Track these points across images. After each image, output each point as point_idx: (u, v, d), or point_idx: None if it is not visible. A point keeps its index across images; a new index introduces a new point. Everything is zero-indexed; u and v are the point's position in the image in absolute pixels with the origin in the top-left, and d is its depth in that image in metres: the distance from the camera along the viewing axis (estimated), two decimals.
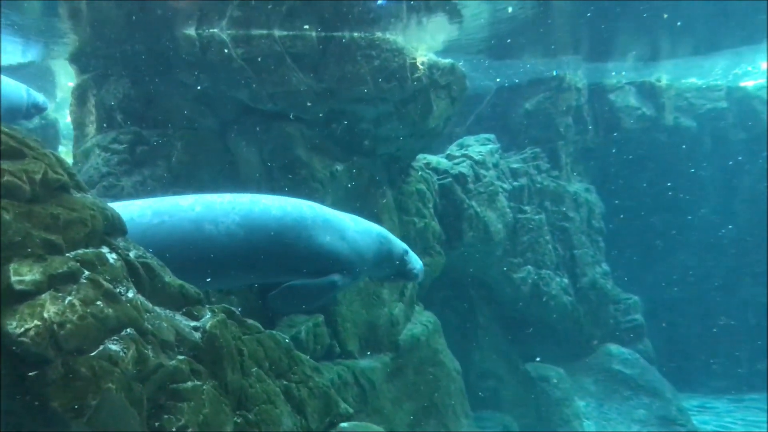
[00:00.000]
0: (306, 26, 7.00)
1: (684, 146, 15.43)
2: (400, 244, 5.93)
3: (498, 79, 14.04)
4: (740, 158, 16.11)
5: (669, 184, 15.66)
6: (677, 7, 11.09)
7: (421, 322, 8.76)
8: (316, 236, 5.17)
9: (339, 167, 7.66)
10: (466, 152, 11.78)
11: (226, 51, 6.72)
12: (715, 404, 14.40)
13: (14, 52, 10.45)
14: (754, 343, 16.02)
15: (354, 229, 5.55)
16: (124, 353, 2.57)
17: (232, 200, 5.01)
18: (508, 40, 11.80)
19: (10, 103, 8.39)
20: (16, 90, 8.60)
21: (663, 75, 15.24)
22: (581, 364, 11.71)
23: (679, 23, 11.73)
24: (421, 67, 7.63)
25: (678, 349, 15.11)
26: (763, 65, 15.76)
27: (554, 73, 13.36)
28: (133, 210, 4.67)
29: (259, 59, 6.85)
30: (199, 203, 4.87)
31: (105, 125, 7.20)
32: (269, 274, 5.20)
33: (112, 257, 2.92)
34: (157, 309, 3.10)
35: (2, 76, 8.35)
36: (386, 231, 5.92)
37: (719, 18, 11.88)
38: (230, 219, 4.83)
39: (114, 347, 2.56)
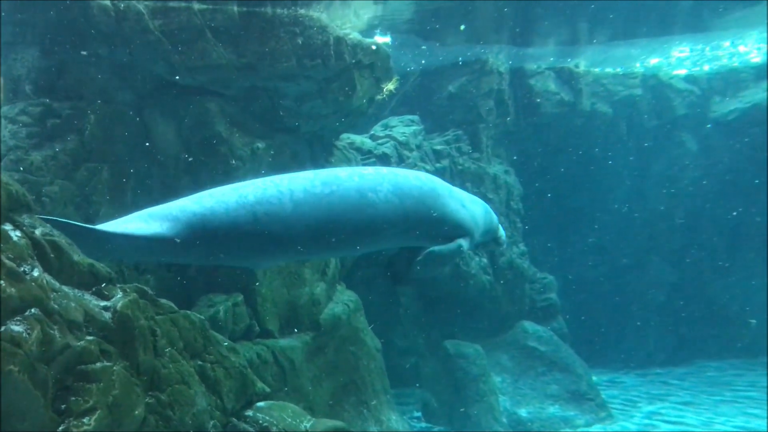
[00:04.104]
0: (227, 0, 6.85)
1: (600, 131, 15.93)
2: (494, 215, 6.50)
3: (423, 61, 14.11)
4: (652, 144, 16.77)
5: (584, 167, 16.15)
6: None
7: (343, 301, 8.80)
8: (446, 204, 5.65)
9: (260, 144, 7.56)
10: (390, 133, 11.84)
11: (142, 22, 6.49)
12: (623, 379, 15.09)
13: None
14: (661, 320, 16.84)
15: (468, 199, 6.06)
16: (28, 334, 2.49)
17: (377, 171, 5.50)
18: (433, 21, 11.89)
19: None
20: None
21: (581, 61, 15.66)
22: (498, 341, 12.03)
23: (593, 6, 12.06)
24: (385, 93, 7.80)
25: (590, 327, 15.72)
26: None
27: (474, 58, 13.53)
28: (303, 182, 5.07)
29: (178, 32, 6.66)
30: (355, 174, 5.29)
31: (12, 96, 6.85)
32: (409, 239, 5.62)
33: (15, 234, 2.81)
34: (65, 288, 3.01)
35: None
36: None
37: (636, 7, 12.30)
38: (385, 188, 5.26)
39: (17, 328, 2.47)
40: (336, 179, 5.17)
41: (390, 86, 8.03)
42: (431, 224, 5.56)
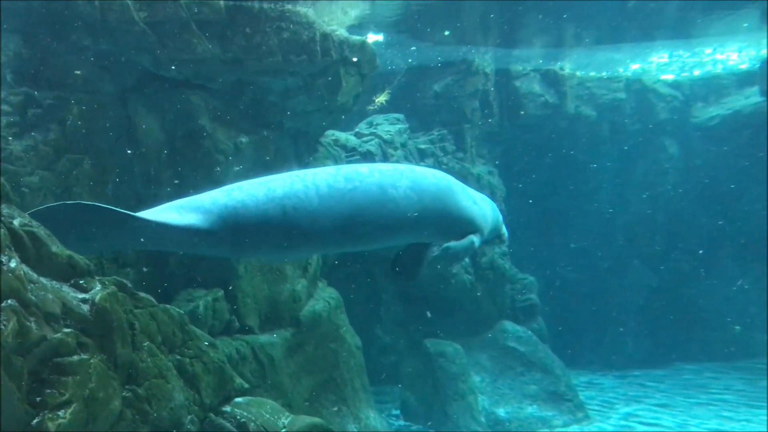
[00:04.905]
0: None
1: (583, 134, 16.02)
2: (500, 213, 6.64)
3: (410, 60, 14.12)
4: (635, 147, 16.89)
5: (568, 169, 16.23)
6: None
7: (324, 298, 8.79)
8: (460, 200, 5.78)
9: (244, 139, 7.53)
10: (375, 131, 11.83)
11: (127, 14, 6.44)
12: (601, 380, 15.20)
13: None
14: (640, 323, 16.97)
15: (478, 196, 6.23)
16: (4, 325, 2.47)
17: (395, 167, 5.64)
18: (420, 21, 11.91)
19: None
20: None
21: (567, 64, 15.74)
22: (478, 341, 12.06)
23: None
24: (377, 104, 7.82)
25: (569, 328, 15.81)
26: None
27: (460, 58, 13.57)
28: (326, 177, 5.18)
29: (163, 24, 6.61)
30: (374, 170, 5.41)
31: None
32: (424, 234, 5.76)
33: None
34: (43, 280, 2.98)
35: None
36: None
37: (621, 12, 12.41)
38: (404, 184, 5.37)
39: None
40: (358, 175, 5.29)
41: (381, 98, 8.16)
42: (446, 220, 5.71)
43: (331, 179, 5.16)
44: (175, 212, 4.79)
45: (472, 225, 5.89)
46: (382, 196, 5.24)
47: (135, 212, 4.69)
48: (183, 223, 4.70)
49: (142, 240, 4.82)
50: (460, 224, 5.80)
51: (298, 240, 5.11)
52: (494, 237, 6.69)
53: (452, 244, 5.75)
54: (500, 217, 6.62)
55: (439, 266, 6.06)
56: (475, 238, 5.89)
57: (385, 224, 5.30)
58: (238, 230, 4.88)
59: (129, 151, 6.89)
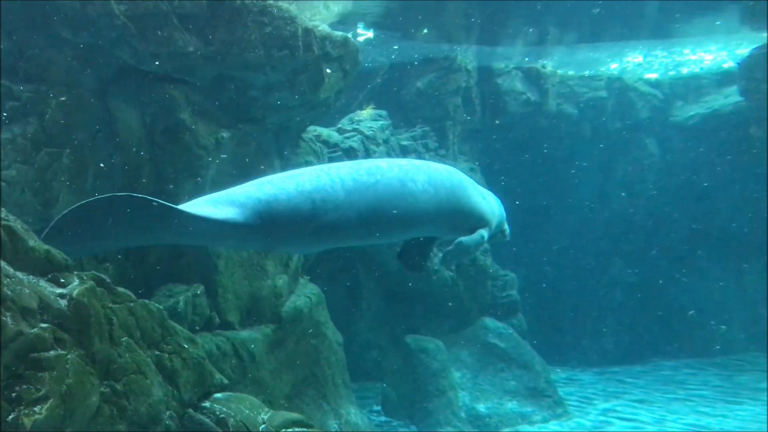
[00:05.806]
0: None
1: (565, 132, 16.10)
2: (503, 208, 6.79)
3: (393, 57, 14.13)
4: (615, 146, 17.00)
5: (549, 167, 16.31)
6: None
7: (305, 294, 8.78)
8: (471, 195, 5.95)
9: (225, 134, 7.49)
10: (357, 127, 11.83)
11: (107, 7, 6.37)
12: (581, 376, 15.32)
13: None
14: (619, 319, 17.11)
15: (486, 192, 6.40)
16: None
17: (411, 162, 5.82)
18: (400, 17, 11.91)
19: None
20: None
21: (548, 63, 15.81)
22: (459, 337, 12.11)
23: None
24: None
25: (549, 324, 15.90)
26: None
27: (442, 55, 13.60)
28: (350, 171, 5.34)
29: (144, 18, 6.55)
30: (393, 165, 5.60)
31: None
32: (437, 228, 5.93)
33: None
34: (19, 274, 2.95)
35: None
36: None
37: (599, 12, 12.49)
38: (421, 178, 5.53)
39: None
40: (378, 169, 5.45)
41: (366, 112, 8.31)
42: (460, 214, 5.86)
43: (355, 173, 5.33)
44: (212, 206, 4.92)
45: (482, 220, 6.05)
46: (402, 189, 5.40)
47: (182, 204, 4.77)
48: (222, 217, 4.83)
49: (174, 234, 4.91)
50: (471, 219, 5.95)
51: (326, 232, 5.24)
52: (498, 232, 6.81)
53: (464, 239, 5.91)
54: (504, 213, 6.76)
55: (453, 260, 6.29)
56: (485, 233, 6.05)
57: (404, 217, 5.44)
58: (271, 223, 5.01)
59: (109, 145, 6.82)
